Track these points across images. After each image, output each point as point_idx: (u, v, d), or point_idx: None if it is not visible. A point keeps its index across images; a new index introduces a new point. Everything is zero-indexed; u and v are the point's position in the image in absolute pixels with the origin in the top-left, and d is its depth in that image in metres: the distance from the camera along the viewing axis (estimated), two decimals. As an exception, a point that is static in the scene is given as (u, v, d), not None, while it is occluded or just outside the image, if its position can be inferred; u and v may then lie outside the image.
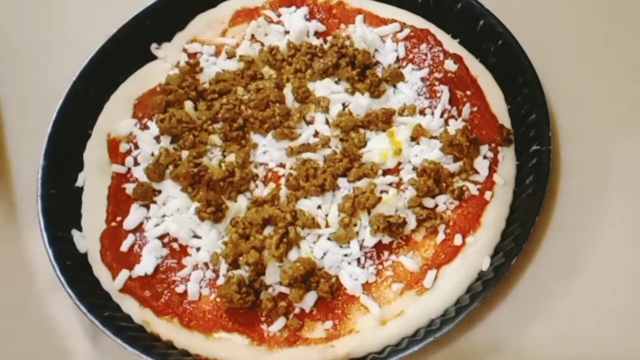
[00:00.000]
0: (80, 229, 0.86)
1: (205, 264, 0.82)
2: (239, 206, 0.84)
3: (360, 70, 0.89)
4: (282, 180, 0.85)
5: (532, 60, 0.86)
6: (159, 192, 0.87)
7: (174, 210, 0.85)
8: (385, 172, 0.83)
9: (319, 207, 0.83)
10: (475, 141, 0.83)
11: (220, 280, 0.81)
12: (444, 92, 0.87)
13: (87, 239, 0.85)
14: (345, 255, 0.80)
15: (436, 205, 0.82)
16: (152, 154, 0.88)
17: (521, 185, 0.83)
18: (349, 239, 0.80)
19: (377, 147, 0.84)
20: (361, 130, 0.86)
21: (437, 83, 0.89)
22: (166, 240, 0.84)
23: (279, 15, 0.97)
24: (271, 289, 0.79)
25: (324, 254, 0.80)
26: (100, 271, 0.83)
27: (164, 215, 0.85)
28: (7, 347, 0.85)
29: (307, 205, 0.82)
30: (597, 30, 0.93)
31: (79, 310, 0.79)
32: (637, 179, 0.83)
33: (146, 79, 0.95)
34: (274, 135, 0.88)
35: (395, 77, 0.89)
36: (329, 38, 0.94)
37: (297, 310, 0.79)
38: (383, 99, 0.89)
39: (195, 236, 0.83)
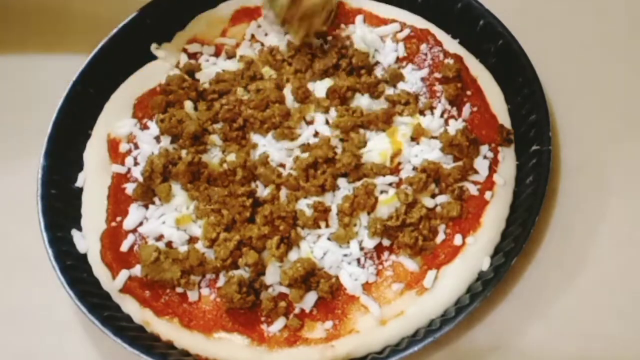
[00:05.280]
0: (80, 229, 0.86)
1: (205, 264, 0.82)
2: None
3: (358, 72, 0.90)
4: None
5: (532, 60, 0.86)
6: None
7: (172, 210, 0.85)
8: (385, 172, 0.83)
9: (319, 207, 0.83)
10: (475, 141, 0.83)
11: (220, 281, 0.81)
12: (444, 92, 0.87)
13: (87, 239, 0.85)
14: (345, 255, 0.80)
15: (436, 205, 0.82)
16: (152, 154, 0.88)
17: (521, 185, 0.83)
18: (348, 239, 0.80)
19: (377, 147, 0.84)
20: (361, 130, 0.86)
21: (437, 83, 0.89)
22: (166, 240, 0.84)
23: (279, 16, 0.97)
24: (271, 289, 0.80)
25: (324, 254, 0.80)
26: (100, 271, 0.83)
27: (163, 215, 0.85)
28: (7, 347, 0.85)
29: (307, 205, 0.82)
30: (597, 30, 0.93)
31: (79, 310, 0.79)
32: (637, 179, 0.83)
33: (146, 79, 0.95)
34: (274, 135, 0.88)
35: (395, 77, 0.89)
36: (329, 38, 0.94)
37: (297, 310, 0.79)
38: (383, 99, 0.89)
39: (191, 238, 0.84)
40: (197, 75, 0.94)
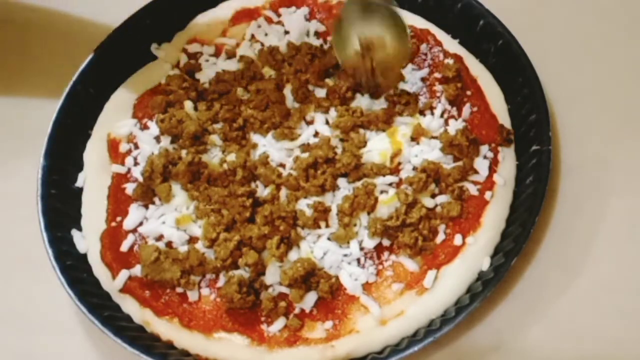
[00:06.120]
0: (80, 229, 0.86)
1: (205, 264, 0.82)
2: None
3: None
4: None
5: (532, 60, 0.86)
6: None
7: (172, 210, 0.85)
8: (385, 172, 0.83)
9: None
10: (475, 141, 0.83)
11: (221, 281, 0.81)
12: (444, 92, 0.87)
13: (87, 239, 0.85)
14: (345, 255, 0.80)
15: (436, 205, 0.82)
16: (152, 154, 0.88)
17: (521, 185, 0.83)
18: (348, 239, 0.80)
19: (377, 147, 0.85)
20: (361, 131, 0.86)
21: (437, 83, 0.89)
22: (166, 240, 0.84)
23: (279, 15, 0.97)
24: (271, 289, 0.80)
25: (324, 254, 0.80)
26: (100, 271, 0.83)
27: (163, 215, 0.85)
28: (7, 347, 0.85)
29: (307, 205, 0.82)
30: (597, 30, 0.93)
31: (79, 310, 0.79)
32: (637, 179, 0.83)
33: (146, 79, 0.95)
34: (274, 135, 0.88)
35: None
36: (329, 38, 0.94)
37: (297, 310, 0.79)
38: (383, 99, 0.89)
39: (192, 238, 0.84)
40: (197, 75, 0.94)
